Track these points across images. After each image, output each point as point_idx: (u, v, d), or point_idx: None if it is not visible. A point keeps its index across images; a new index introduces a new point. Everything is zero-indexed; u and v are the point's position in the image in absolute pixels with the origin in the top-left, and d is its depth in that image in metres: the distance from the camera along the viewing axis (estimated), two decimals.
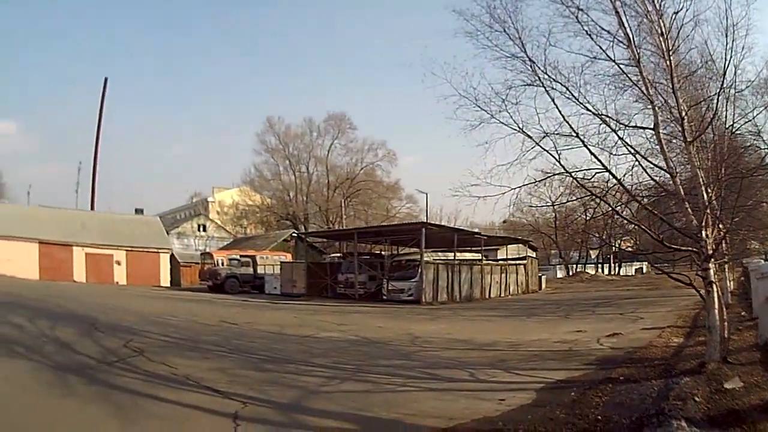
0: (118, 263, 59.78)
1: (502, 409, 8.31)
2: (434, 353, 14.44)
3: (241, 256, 51.36)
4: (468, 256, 42.26)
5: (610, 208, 14.17)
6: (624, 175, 14.39)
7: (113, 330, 17.50)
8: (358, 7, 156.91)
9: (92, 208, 70.91)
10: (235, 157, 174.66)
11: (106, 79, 72.78)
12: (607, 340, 15.44)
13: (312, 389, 10.00)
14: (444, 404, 8.83)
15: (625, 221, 17.57)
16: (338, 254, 53.02)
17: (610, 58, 13.67)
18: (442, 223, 55.52)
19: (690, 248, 11.35)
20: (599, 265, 79.78)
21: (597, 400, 8.30)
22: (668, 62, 12.22)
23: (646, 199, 14.51)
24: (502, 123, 15.83)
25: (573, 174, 15.35)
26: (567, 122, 14.51)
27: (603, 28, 13.75)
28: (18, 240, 55.26)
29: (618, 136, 13.61)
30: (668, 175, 12.39)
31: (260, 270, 49.35)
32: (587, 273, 68.36)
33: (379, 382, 10.69)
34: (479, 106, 16.19)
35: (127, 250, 60.70)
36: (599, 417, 7.30)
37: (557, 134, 14.75)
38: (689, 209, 11.90)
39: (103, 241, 59.87)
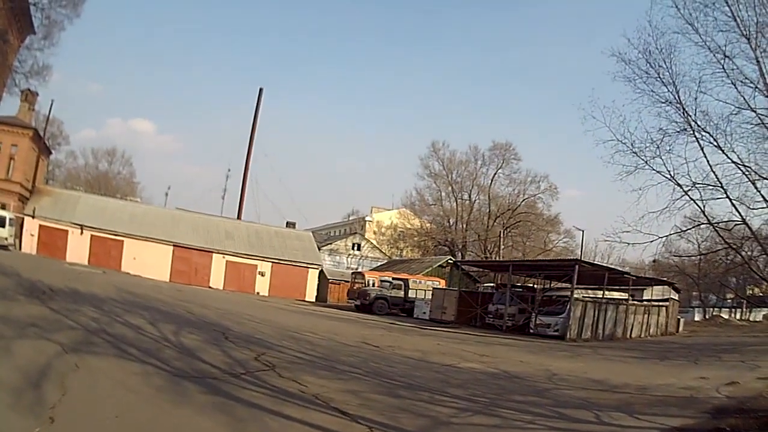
0: (262, 274, 61.23)
1: None
2: (567, 392, 14.38)
3: (393, 278, 52.26)
4: (615, 294, 41.56)
5: (744, 260, 14.35)
6: (759, 227, 14.56)
7: (245, 342, 17.49)
8: (522, 41, 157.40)
9: (239, 216, 72.29)
10: (395, 179, 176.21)
11: (260, 90, 74.53)
12: (725, 388, 15.16)
13: (442, 420, 9.97)
14: None
15: (754, 273, 17.59)
16: (491, 284, 52.72)
17: (751, 108, 13.93)
18: (596, 260, 54.91)
19: None
20: (732, 310, 76.93)
21: None
22: None
23: None
24: (655, 170, 16.31)
25: (715, 225, 15.59)
26: (713, 172, 14.84)
27: (746, 77, 14.03)
28: (151, 241, 57.98)
29: (755, 187, 13.80)
30: None
31: (411, 294, 49.43)
32: (721, 317, 66.35)
33: (509, 418, 10.73)
34: (635, 152, 16.72)
35: (273, 262, 61.98)
36: None
37: (704, 185, 15.06)
38: None
39: (247, 251, 61.68)
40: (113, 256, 56.44)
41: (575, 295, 34.08)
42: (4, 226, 47.06)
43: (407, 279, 51.77)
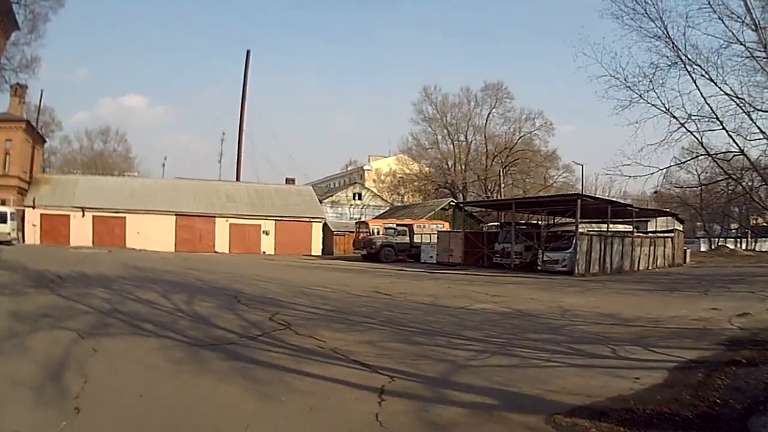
0: (266, 233, 62.57)
1: (636, 387, 8.40)
2: (581, 327, 14.39)
3: (397, 224, 52.51)
4: (620, 227, 41.88)
5: (744, 191, 14.54)
6: (758, 158, 14.69)
7: (258, 303, 17.53)
8: None
9: (238, 178, 74.15)
10: (391, 126, 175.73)
11: (248, 52, 76.43)
12: (738, 319, 15.20)
13: (461, 363, 9.98)
14: (584, 381, 8.89)
15: (756, 203, 17.85)
16: (495, 223, 52.80)
17: (740, 42, 13.99)
18: (597, 194, 55.28)
19: None
20: (738, 240, 77.29)
21: (719, 383, 8.36)
22: None
23: None
24: (650, 103, 16.46)
25: (714, 156, 15.75)
26: (707, 104, 15.05)
27: (732, 12, 14.08)
28: (152, 213, 59.53)
29: (750, 119, 13.93)
30: None
31: (417, 239, 49.59)
32: (727, 247, 66.50)
33: (526, 357, 10.75)
34: (628, 86, 16.83)
35: (276, 220, 63.07)
36: (718, 400, 7.40)
37: (699, 116, 15.20)
38: None
39: (249, 212, 62.94)
40: (117, 234, 58.05)
41: (580, 230, 34.27)
42: (5, 222, 47.60)
43: (411, 224, 52.08)
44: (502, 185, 73.25)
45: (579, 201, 34.17)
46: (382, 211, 76.76)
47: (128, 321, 13.60)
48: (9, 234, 47.85)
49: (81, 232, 57.19)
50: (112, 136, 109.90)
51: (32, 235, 55.88)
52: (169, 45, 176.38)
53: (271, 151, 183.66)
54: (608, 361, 10.48)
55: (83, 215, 57.58)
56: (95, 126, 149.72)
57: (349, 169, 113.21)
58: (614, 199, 43.82)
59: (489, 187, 77.12)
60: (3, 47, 25.94)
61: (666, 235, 45.58)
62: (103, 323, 13.22)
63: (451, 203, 64.31)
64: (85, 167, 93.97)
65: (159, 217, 59.15)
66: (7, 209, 49.71)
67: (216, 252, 58.35)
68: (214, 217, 61.13)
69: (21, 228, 54.48)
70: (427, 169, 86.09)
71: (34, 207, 56.52)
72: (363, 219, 66.37)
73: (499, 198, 66.14)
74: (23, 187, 59.01)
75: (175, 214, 59.89)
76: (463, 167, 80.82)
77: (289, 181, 75.10)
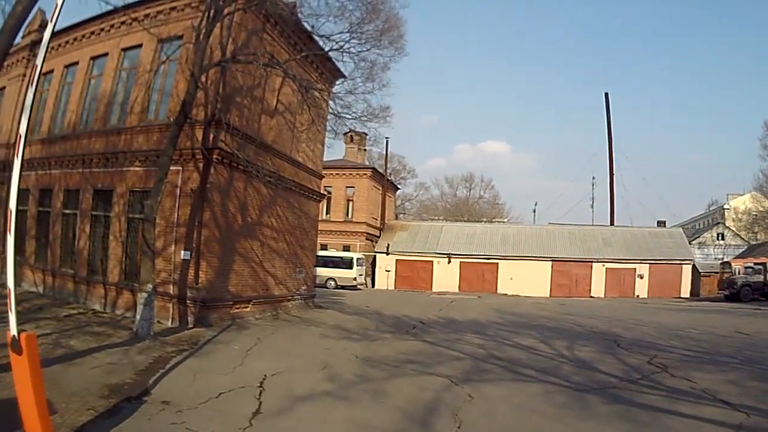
0: (641, 277, 58.81)
1: None
2: None
3: (755, 263, 51.17)
4: None
5: None
6: None
7: (637, 346, 17.60)
8: None
9: (612, 222, 71.84)
10: (746, 162, 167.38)
11: (606, 95, 75.02)
12: None
13: None
14: None
15: None
16: None
17: None
18: None
19: None
20: None
21: None
22: None
23: None
24: None
25: None
26: None
27: None
28: (527, 259, 59.01)
29: None
30: None
31: None
32: None
33: None
34: None
35: (650, 263, 59.07)
36: None
37: None
38: None
39: (625, 256, 59.45)
40: (487, 280, 58.64)
41: None
42: (351, 268, 50.59)
43: (765, 263, 50.41)
44: None
45: None
46: (741, 251, 74.50)
47: (507, 367, 14.00)
48: (354, 279, 50.33)
49: (445, 277, 58.57)
50: (477, 183, 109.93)
51: (384, 281, 58.50)
52: (527, 91, 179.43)
53: (641, 193, 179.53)
54: None
55: (449, 261, 58.97)
56: (454, 172, 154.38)
57: (711, 209, 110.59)
58: None
59: None
60: (329, 94, 25.65)
61: None
62: (480, 369, 13.73)
63: None
64: (447, 213, 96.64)
65: (534, 263, 58.86)
66: (353, 255, 52.58)
67: (591, 297, 56.85)
68: (591, 261, 59.34)
69: (371, 273, 57.75)
70: None
71: (387, 253, 59.04)
72: (725, 259, 64.75)
73: None
74: (372, 233, 62.46)
75: (551, 260, 59.26)
76: None
77: (660, 223, 72.94)
